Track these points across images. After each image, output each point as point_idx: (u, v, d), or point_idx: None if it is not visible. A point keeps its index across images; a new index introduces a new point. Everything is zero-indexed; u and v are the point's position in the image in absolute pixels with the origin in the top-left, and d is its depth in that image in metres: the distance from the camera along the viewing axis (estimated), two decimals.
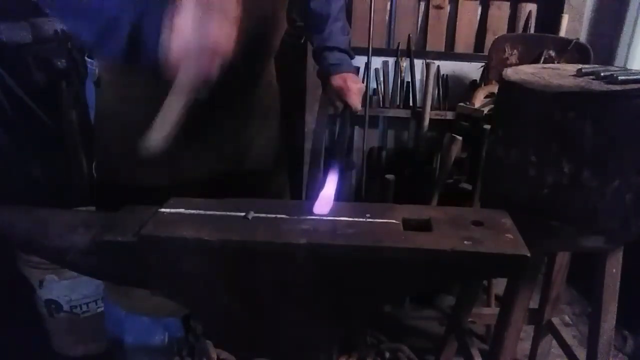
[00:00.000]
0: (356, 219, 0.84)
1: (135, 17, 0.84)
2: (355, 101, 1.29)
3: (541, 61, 2.14)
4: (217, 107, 1.10)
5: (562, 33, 2.37)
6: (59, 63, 2.10)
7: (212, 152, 1.14)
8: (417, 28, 2.65)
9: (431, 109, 2.57)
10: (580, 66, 1.18)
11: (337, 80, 1.31)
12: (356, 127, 2.72)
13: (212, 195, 0.91)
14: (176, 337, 1.23)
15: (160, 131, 0.84)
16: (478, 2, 2.59)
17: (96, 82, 1.12)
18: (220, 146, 1.16)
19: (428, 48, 2.65)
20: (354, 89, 1.29)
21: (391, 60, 2.64)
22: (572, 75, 1.13)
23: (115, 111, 1.09)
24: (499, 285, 1.96)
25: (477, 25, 2.64)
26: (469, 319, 1.62)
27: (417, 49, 2.64)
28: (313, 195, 0.86)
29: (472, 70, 2.59)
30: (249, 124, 1.20)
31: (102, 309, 1.86)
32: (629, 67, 1.74)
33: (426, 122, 2.58)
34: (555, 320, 1.63)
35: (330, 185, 0.86)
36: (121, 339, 1.28)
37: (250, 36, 1.07)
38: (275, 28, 1.16)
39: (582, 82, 1.07)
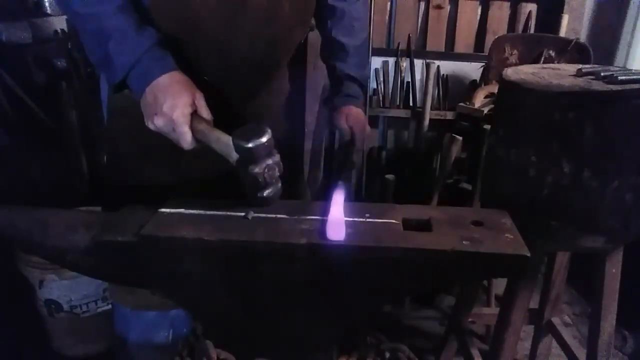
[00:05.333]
0: (356, 219, 0.84)
1: (126, 67, 0.92)
2: (361, 139, 1.26)
3: (541, 61, 2.14)
4: (226, 109, 1.10)
5: (562, 33, 2.37)
6: (59, 63, 2.10)
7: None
8: (417, 28, 2.65)
9: (431, 109, 2.57)
10: (580, 66, 1.18)
11: (349, 113, 1.27)
12: None
13: (219, 194, 0.91)
14: (181, 334, 1.23)
15: None
16: (478, 2, 2.59)
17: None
18: None
19: (428, 48, 2.65)
20: (360, 127, 1.27)
21: (391, 60, 2.64)
22: (572, 75, 1.13)
23: (125, 108, 1.10)
24: (499, 285, 1.96)
25: (477, 25, 2.64)
26: (469, 319, 1.62)
27: (417, 49, 2.64)
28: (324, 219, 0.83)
29: (472, 70, 2.59)
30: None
31: (102, 309, 1.87)
32: (629, 67, 1.74)
33: (426, 122, 2.58)
34: (555, 320, 1.63)
35: (338, 209, 0.84)
36: (127, 336, 1.29)
37: (263, 47, 1.07)
38: (289, 46, 1.16)
39: (582, 82, 1.07)
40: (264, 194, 0.84)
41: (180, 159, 1.14)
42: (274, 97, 1.25)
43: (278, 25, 1.06)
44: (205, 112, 0.93)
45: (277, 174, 0.85)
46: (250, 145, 0.81)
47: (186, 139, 0.89)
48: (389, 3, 2.60)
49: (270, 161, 0.83)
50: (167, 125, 0.89)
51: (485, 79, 2.35)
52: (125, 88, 0.96)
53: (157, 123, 0.90)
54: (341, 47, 1.28)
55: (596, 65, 1.19)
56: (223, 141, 0.87)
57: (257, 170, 0.81)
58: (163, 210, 0.87)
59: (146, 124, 0.93)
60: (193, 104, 0.91)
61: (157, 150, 1.12)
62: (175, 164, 1.13)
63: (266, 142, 0.82)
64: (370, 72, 2.57)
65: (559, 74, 1.15)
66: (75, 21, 0.98)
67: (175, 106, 0.88)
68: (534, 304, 1.56)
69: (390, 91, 2.66)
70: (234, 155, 0.84)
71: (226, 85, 1.08)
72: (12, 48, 1.96)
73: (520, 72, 1.16)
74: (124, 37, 0.91)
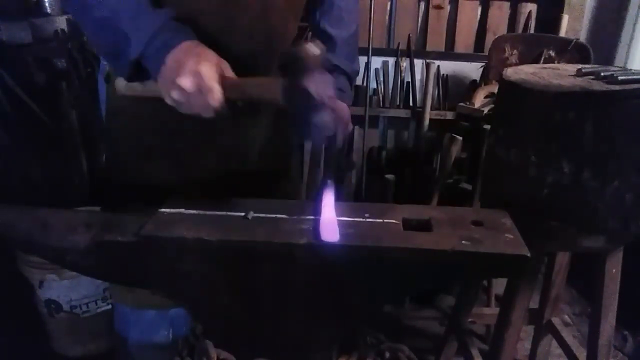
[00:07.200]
0: (356, 219, 0.84)
1: (144, 40, 0.86)
2: (342, 137, 1.26)
3: (541, 61, 2.13)
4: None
5: (562, 33, 2.37)
6: (59, 63, 2.10)
7: (217, 151, 1.15)
8: (417, 28, 2.65)
9: (431, 109, 2.57)
10: (580, 66, 1.18)
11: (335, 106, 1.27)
12: (356, 127, 2.72)
13: (219, 194, 0.91)
14: (181, 333, 1.24)
15: None
16: (478, 2, 2.59)
17: (106, 78, 1.13)
18: (226, 147, 1.16)
19: (428, 48, 2.65)
20: (343, 125, 1.26)
21: (391, 60, 2.64)
22: (572, 75, 1.13)
23: (124, 107, 1.10)
24: (499, 285, 1.96)
25: (477, 25, 2.64)
26: (469, 319, 1.62)
27: (417, 49, 2.64)
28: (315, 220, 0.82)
29: (472, 70, 2.59)
30: (256, 123, 1.20)
31: (102, 309, 1.87)
32: (629, 67, 1.74)
33: (426, 122, 2.58)
34: (555, 320, 1.63)
35: (329, 209, 0.83)
36: (127, 336, 1.29)
37: (260, 41, 1.07)
38: (285, 39, 1.16)
39: (582, 82, 1.07)
40: (319, 119, 0.77)
41: (180, 159, 1.14)
42: None
43: (273, 18, 1.06)
44: (231, 76, 0.86)
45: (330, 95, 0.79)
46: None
47: (215, 96, 0.81)
48: (389, 3, 2.60)
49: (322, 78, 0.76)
50: (192, 84, 0.80)
51: (485, 79, 2.35)
52: (139, 75, 0.90)
53: (181, 82, 0.80)
54: (330, 38, 1.24)
55: (596, 65, 1.19)
56: (265, 82, 0.80)
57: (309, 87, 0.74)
58: (163, 210, 0.87)
59: (165, 97, 0.85)
60: (219, 67, 0.85)
61: (157, 150, 1.12)
62: (175, 164, 1.13)
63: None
64: (370, 72, 2.57)
65: (559, 74, 1.15)
66: (80, 13, 0.93)
67: (201, 62, 0.82)
68: (534, 304, 1.56)
69: (390, 91, 2.66)
70: (281, 95, 0.78)
71: None
72: (12, 48, 1.96)
73: (520, 72, 1.16)
74: (138, 14, 0.86)
